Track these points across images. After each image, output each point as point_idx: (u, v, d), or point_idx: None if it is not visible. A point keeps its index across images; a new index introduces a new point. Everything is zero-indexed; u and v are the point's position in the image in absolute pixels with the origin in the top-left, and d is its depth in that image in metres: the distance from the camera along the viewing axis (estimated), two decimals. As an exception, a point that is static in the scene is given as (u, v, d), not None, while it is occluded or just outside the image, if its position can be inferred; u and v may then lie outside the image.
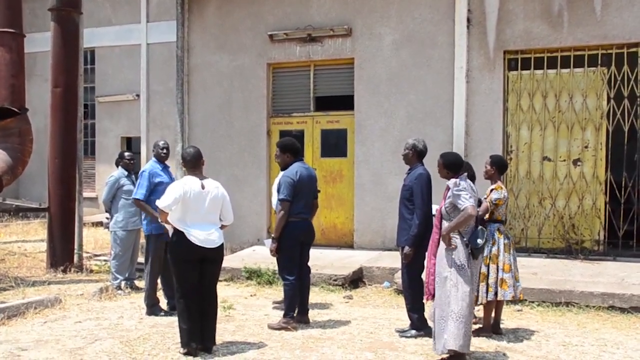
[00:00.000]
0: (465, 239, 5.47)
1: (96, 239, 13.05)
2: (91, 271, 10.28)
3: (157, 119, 18.13)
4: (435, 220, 5.72)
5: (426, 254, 6.71)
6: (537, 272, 8.71)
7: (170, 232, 5.92)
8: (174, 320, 7.12)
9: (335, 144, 11.31)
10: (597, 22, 9.58)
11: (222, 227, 6.06)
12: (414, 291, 6.55)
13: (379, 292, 8.99)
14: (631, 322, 7.25)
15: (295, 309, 6.89)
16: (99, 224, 15.27)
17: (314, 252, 10.59)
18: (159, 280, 7.64)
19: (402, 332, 6.59)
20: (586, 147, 9.84)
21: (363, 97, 10.92)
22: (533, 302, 7.96)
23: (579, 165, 9.84)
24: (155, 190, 7.42)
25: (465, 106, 10.19)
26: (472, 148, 10.22)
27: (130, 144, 19.54)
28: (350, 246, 11.14)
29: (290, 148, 7.05)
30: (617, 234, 9.70)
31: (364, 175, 10.95)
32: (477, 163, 10.15)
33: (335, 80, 11.38)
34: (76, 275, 9.90)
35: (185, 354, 5.83)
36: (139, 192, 7.39)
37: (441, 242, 5.57)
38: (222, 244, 5.97)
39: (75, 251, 10.33)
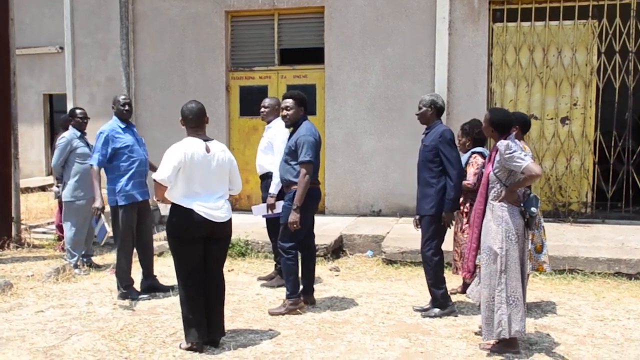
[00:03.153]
0: (521, 207, 4.75)
1: (29, 208, 11.61)
2: (34, 246, 9.00)
3: (85, 75, 16.38)
4: (480, 188, 4.96)
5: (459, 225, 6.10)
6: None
7: (167, 208, 4.91)
8: (155, 305, 6.19)
9: (302, 101, 10.34)
10: (590, -29, 9.02)
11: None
12: (437, 264, 5.82)
13: (364, 263, 8.26)
14: (645, 290, 6.86)
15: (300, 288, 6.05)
16: (26, 189, 13.74)
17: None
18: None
19: (424, 312, 5.87)
20: (575, 104, 9.34)
21: (334, 50, 9.99)
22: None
23: (567, 124, 9.34)
24: (119, 154, 6.37)
25: (447, 60, 9.46)
26: (454, 105, 9.55)
27: (52, 101, 17.86)
28: (321, 212, 10.27)
29: (306, 102, 6.12)
30: (605, 195, 9.32)
31: (335, 134, 10.08)
32: (460, 121, 9.50)
33: (302, 31, 10.37)
34: (17, 252, 8.62)
35: (188, 349, 4.88)
36: (94, 157, 6.37)
37: (488, 213, 4.83)
38: (230, 218, 5.01)
39: (13, 223, 9.02)
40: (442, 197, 5.66)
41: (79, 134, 7.53)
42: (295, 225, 5.76)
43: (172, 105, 10.55)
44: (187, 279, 4.85)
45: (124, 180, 6.29)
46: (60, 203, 8.50)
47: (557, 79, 9.34)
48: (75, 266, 7.40)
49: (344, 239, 8.78)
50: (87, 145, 7.59)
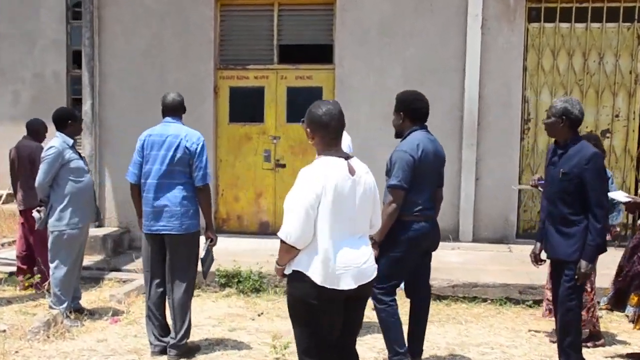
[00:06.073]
0: None
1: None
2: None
3: (8, 71, 14.13)
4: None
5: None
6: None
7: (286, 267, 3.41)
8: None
9: (305, 106, 8.76)
10: (638, -31, 8.19)
11: (365, 238, 3.64)
12: (579, 322, 4.58)
13: (401, 297, 6.94)
14: None
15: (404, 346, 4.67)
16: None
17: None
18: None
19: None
20: (617, 116, 8.47)
21: (347, 48, 8.65)
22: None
23: (607, 137, 8.43)
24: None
25: (479, 63, 8.36)
26: (484, 114, 8.45)
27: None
28: (325, 234, 8.93)
29: (408, 106, 4.74)
30: (646, 216, 8.51)
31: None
32: (491, 132, 8.48)
33: (307, 25, 8.94)
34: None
35: None
36: (206, 174, 4.98)
37: None
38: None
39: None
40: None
41: (70, 142, 5.79)
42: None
43: (146, 108, 8.78)
44: (316, 355, 3.36)
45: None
46: (24, 227, 6.77)
47: (598, 87, 8.44)
48: (66, 315, 5.65)
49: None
50: (80, 157, 5.87)
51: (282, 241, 3.26)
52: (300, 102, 8.93)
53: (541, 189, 5.20)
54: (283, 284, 7.13)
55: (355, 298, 3.40)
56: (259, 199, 9.01)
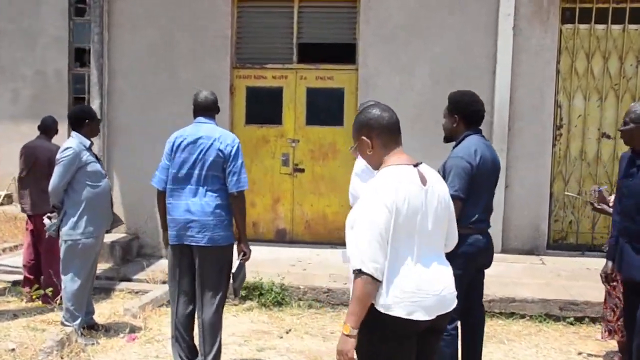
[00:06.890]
0: None
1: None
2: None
3: (7, 68, 13.70)
4: None
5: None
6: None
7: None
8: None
9: (326, 108, 8.49)
10: (680, -33, 7.82)
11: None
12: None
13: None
14: None
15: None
16: None
17: (301, 253, 8.06)
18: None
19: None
20: (655, 122, 8.10)
21: (371, 47, 8.21)
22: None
23: (644, 145, 8.07)
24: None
25: (511, 65, 7.96)
26: (515, 119, 8.04)
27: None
28: (344, 243, 8.47)
29: (464, 107, 4.30)
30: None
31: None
32: (522, 138, 8.07)
33: (329, 23, 8.48)
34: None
35: None
36: (244, 178, 4.50)
37: None
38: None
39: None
40: None
41: (87, 143, 5.32)
42: None
43: (156, 108, 8.40)
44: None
45: None
46: (33, 234, 6.31)
47: (635, 92, 8.05)
48: (81, 333, 5.19)
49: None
50: (97, 159, 5.40)
51: (358, 273, 2.71)
52: (320, 104, 8.52)
53: (598, 203, 4.79)
54: (307, 296, 6.74)
55: (432, 330, 2.95)
56: (276, 205, 8.57)
